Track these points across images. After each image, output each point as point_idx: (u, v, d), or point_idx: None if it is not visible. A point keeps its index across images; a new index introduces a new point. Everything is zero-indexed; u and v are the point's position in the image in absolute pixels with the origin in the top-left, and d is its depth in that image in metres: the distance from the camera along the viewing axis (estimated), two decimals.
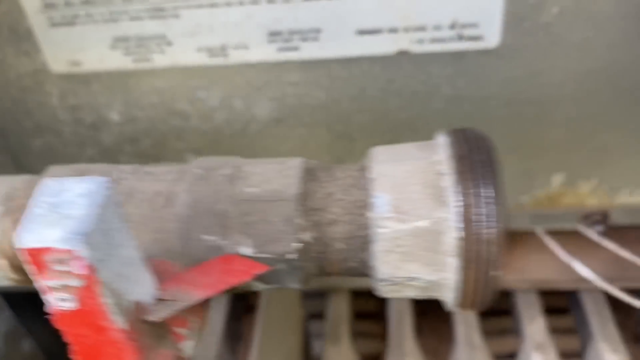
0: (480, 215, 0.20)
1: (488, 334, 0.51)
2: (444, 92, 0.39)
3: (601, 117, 0.39)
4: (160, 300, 0.18)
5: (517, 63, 0.37)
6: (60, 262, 0.15)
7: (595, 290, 0.49)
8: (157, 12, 0.37)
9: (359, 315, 0.57)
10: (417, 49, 0.37)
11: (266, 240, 0.21)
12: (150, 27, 0.37)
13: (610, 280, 0.49)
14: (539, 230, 0.49)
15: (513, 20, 0.35)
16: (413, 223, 0.21)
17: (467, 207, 0.20)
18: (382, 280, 0.22)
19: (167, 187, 0.22)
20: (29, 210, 0.15)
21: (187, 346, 0.20)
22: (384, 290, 0.22)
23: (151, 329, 0.18)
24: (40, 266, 0.15)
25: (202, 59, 0.38)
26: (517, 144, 0.41)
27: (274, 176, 0.22)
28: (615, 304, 0.52)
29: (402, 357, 0.48)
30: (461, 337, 0.49)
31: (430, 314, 0.61)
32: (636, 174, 0.42)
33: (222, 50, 0.38)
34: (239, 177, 0.22)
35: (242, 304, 0.52)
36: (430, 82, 0.38)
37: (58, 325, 0.16)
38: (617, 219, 0.45)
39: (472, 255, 0.20)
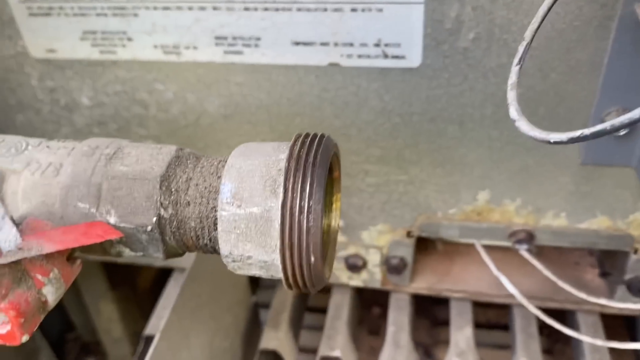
0: (301, 208, 0.23)
1: (421, 337, 0.54)
2: (372, 104, 0.42)
3: (521, 140, 0.42)
4: (18, 248, 0.22)
5: (439, 83, 0.40)
6: None
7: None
8: (119, 10, 0.41)
9: (308, 309, 0.60)
10: (346, 62, 0.40)
11: (129, 212, 0.25)
12: (113, 23, 0.42)
13: (542, 298, 0.51)
14: (478, 244, 0.51)
15: (432, 42, 0.38)
16: (248, 209, 0.24)
17: (290, 199, 0.23)
18: (224, 256, 0.25)
19: (57, 159, 0.26)
20: None
21: (49, 291, 0.24)
22: (229, 266, 0.26)
23: (10, 271, 0.23)
24: None
25: (158, 55, 0.43)
26: (443, 158, 0.44)
27: (147, 159, 0.26)
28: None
29: (332, 350, 0.51)
30: (390, 336, 0.51)
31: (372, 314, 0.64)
32: (558, 197, 0.44)
33: (175, 48, 0.42)
34: (118, 157, 0.26)
35: None
36: (360, 94, 0.42)
37: None
38: (544, 239, 0.47)
39: (290, 241, 0.23)
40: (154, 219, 0.25)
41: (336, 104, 0.43)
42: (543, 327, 0.52)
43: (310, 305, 0.63)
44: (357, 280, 0.54)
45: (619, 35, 0.34)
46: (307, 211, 0.23)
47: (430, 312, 0.63)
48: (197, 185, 0.25)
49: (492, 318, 0.65)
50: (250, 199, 0.24)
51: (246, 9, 0.39)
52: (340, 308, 0.54)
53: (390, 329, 0.52)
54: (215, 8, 0.39)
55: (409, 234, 0.49)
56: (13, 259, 0.22)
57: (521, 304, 0.51)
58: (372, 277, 0.53)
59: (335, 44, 0.39)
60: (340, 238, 0.51)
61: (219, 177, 0.25)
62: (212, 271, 0.46)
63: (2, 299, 0.22)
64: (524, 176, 0.44)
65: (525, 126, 0.26)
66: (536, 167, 0.43)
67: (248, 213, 0.24)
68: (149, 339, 0.54)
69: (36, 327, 0.24)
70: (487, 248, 0.51)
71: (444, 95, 0.40)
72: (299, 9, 0.38)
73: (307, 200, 0.23)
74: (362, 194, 0.47)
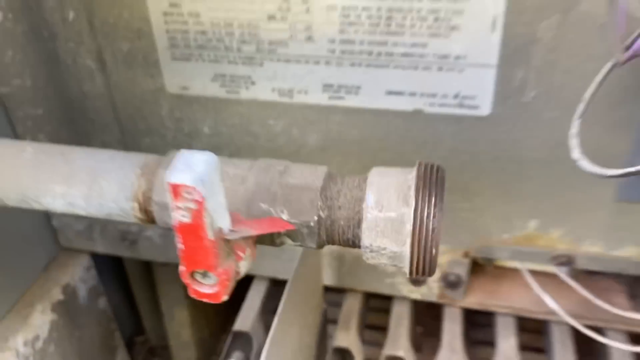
0: (428, 214, 0.33)
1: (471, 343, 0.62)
2: (447, 143, 0.52)
3: (568, 179, 0.51)
4: (231, 230, 0.32)
5: (503, 129, 0.50)
6: (187, 193, 0.28)
7: (563, 323, 0.60)
8: (248, 60, 0.52)
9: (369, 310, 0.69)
10: (429, 109, 0.50)
11: (297, 212, 0.34)
12: (242, 69, 0.52)
13: (577, 316, 0.60)
14: (523, 267, 0.60)
15: (501, 97, 0.48)
16: (387, 213, 0.33)
17: (420, 207, 0.33)
18: (365, 247, 0.34)
19: (242, 172, 0.36)
20: (173, 165, 0.29)
21: (242, 265, 0.33)
22: (365, 255, 0.35)
23: (224, 247, 0.32)
24: (176, 194, 0.29)
25: (275, 97, 0.53)
26: (502, 191, 0.53)
27: (308, 174, 0.35)
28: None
29: (396, 350, 0.60)
30: (446, 342, 0.60)
31: (427, 325, 0.72)
32: (595, 228, 0.54)
33: (289, 92, 0.52)
34: (287, 172, 0.36)
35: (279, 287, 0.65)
36: (437, 135, 0.51)
37: (177, 232, 0.30)
38: (581, 264, 0.56)
39: (419, 237, 0.33)
40: (315, 217, 0.34)
41: (416, 143, 0.52)
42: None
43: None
44: (417, 294, 0.62)
45: None
46: (432, 216, 0.33)
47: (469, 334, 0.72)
48: (345, 195, 0.35)
49: (527, 340, 0.73)
50: (388, 206, 0.34)
51: (352, 64, 0.49)
52: (401, 317, 0.63)
53: (446, 337, 0.60)
54: (327, 63, 0.50)
55: (466, 254, 0.58)
56: (232, 237, 0.31)
57: (559, 321, 0.59)
58: (430, 291, 0.62)
59: (421, 95, 0.49)
60: None
61: (362, 190, 0.35)
62: (306, 279, 0.55)
63: (218, 266, 0.32)
64: (568, 209, 0.53)
65: (586, 165, 0.35)
66: (579, 202, 0.52)
67: (387, 216, 0.34)
68: (238, 334, 0.63)
69: (230, 292, 0.33)
70: (531, 272, 0.60)
71: (507, 139, 0.50)
72: (395, 67, 0.49)
73: (432, 208, 0.33)
74: None
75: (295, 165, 0.37)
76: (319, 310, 0.61)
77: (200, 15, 0.50)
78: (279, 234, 0.35)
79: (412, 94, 0.50)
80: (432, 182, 0.34)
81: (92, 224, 0.69)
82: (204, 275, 0.33)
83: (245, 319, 0.63)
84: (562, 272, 0.58)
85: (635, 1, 0.38)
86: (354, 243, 0.36)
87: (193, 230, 0.30)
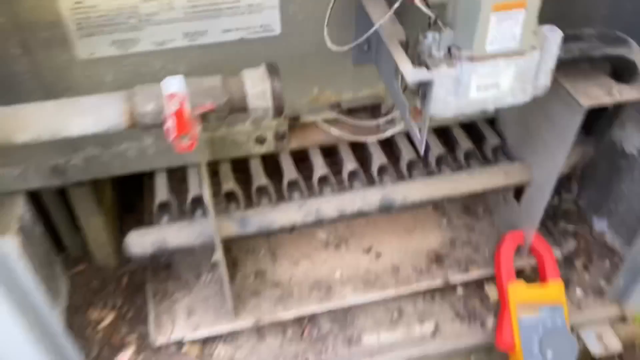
0: (275, 86, 0.72)
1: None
2: (261, 54, 0.90)
3: (329, 60, 0.94)
4: (194, 111, 0.67)
5: (289, 40, 0.90)
6: (176, 96, 0.63)
7: (344, 143, 1.05)
8: (133, 27, 0.83)
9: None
10: (247, 37, 0.88)
11: (216, 98, 0.71)
12: (129, 35, 0.84)
13: (350, 135, 1.06)
14: (316, 118, 1.04)
15: (284, 22, 0.88)
16: (256, 89, 0.72)
17: (272, 83, 0.71)
18: (251, 109, 0.73)
19: (196, 82, 0.71)
20: (166, 84, 0.62)
21: (198, 131, 0.69)
22: (251, 114, 0.73)
23: (193, 121, 0.67)
24: (171, 97, 0.63)
25: (153, 47, 0.86)
26: (296, 75, 0.94)
27: (214, 80, 0.72)
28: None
29: (260, 181, 1.00)
30: (286, 173, 1.02)
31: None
32: (346, 83, 0.98)
33: (162, 42, 0.86)
34: (204, 81, 0.72)
35: None
36: (254, 50, 0.90)
37: (171, 116, 0.64)
38: (345, 105, 1.01)
39: (274, 97, 0.72)
40: (224, 99, 0.72)
41: (244, 57, 0.90)
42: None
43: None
44: (263, 149, 1.03)
45: None
46: (279, 87, 0.72)
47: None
48: (235, 84, 0.73)
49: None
50: (257, 85, 0.72)
51: (199, 19, 0.84)
52: (257, 166, 1.03)
53: (285, 171, 1.03)
54: (184, 20, 0.84)
55: (285, 118, 1.00)
56: (194, 114, 0.67)
57: (342, 141, 1.05)
58: (269, 146, 1.02)
59: (242, 29, 0.87)
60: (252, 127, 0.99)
61: (241, 81, 0.73)
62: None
63: (191, 131, 0.67)
64: (331, 76, 0.96)
65: (333, 47, 0.78)
66: (336, 72, 0.96)
67: (257, 90, 0.72)
68: (162, 204, 0.97)
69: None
70: (322, 120, 1.04)
71: (292, 45, 0.90)
72: (224, 16, 0.85)
73: (277, 82, 0.72)
74: None
75: (204, 77, 0.73)
76: None
77: (98, 5, 0.80)
78: (212, 112, 0.71)
79: (237, 29, 0.87)
80: (273, 70, 0.73)
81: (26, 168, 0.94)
82: (183, 138, 0.68)
83: (162, 194, 0.98)
84: (335, 114, 1.02)
85: None
86: (244, 108, 0.74)
87: (179, 113, 0.66)
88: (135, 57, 0.86)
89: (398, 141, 1.10)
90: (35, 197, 1.05)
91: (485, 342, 1.09)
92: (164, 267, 1.12)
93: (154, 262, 1.12)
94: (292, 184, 1.01)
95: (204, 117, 0.71)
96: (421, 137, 0.78)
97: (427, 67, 0.72)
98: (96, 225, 1.12)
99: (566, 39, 0.76)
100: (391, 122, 1.05)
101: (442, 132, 1.15)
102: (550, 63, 0.76)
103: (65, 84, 0.86)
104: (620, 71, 0.91)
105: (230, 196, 1.00)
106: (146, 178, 1.18)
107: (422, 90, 0.75)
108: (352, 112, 1.04)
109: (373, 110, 1.05)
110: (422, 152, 0.79)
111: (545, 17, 0.71)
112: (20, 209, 0.96)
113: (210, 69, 0.89)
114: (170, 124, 0.66)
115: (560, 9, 0.91)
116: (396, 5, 0.73)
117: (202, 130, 0.70)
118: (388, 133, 1.07)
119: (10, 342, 0.70)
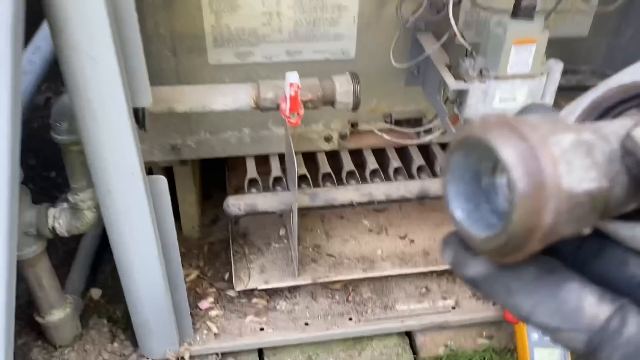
0: (357, 87, 1.02)
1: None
2: (340, 70, 1.22)
3: (386, 78, 1.25)
4: (302, 98, 0.97)
5: (363, 61, 1.21)
6: (296, 85, 0.93)
7: (392, 146, 1.35)
8: (250, 45, 1.15)
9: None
10: (332, 58, 1.19)
11: (319, 92, 1.01)
12: (248, 49, 1.16)
13: (399, 140, 1.36)
14: (372, 127, 1.34)
15: (359, 49, 1.19)
16: (342, 89, 1.02)
17: (355, 85, 1.02)
18: (338, 102, 1.02)
19: (308, 81, 1.01)
20: (288, 77, 0.92)
21: (302, 113, 0.98)
22: (338, 104, 1.03)
23: (301, 104, 0.97)
24: (291, 85, 0.93)
25: (265, 60, 1.18)
26: (363, 88, 1.25)
27: (317, 82, 1.02)
28: None
29: (325, 169, 1.29)
30: (345, 168, 1.32)
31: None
32: (398, 99, 1.29)
33: (269, 57, 1.18)
34: (316, 81, 1.02)
35: None
36: (336, 67, 1.21)
37: (291, 101, 0.93)
38: (395, 117, 1.31)
39: (354, 94, 1.02)
40: (320, 93, 1.02)
41: (329, 70, 1.21)
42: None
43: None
44: (329, 146, 1.32)
45: None
46: (359, 88, 1.03)
47: None
48: (329, 86, 1.03)
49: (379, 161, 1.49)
50: (343, 85, 1.03)
51: (299, 40, 1.16)
52: (322, 158, 1.33)
53: (344, 165, 1.32)
54: (288, 41, 1.16)
55: (348, 122, 1.30)
56: (301, 99, 0.97)
57: (390, 145, 1.35)
58: (334, 143, 1.32)
59: (329, 52, 1.19)
60: (323, 127, 1.29)
61: (332, 81, 1.03)
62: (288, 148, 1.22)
63: (299, 110, 0.97)
64: (388, 91, 1.27)
65: (396, 65, 1.09)
66: (392, 88, 1.26)
67: (343, 89, 1.03)
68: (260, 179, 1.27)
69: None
70: (377, 129, 1.34)
71: (365, 65, 1.22)
72: (316, 40, 1.17)
73: (358, 84, 1.03)
74: None
75: (311, 78, 1.03)
76: None
77: (230, 25, 1.12)
78: (312, 101, 1.02)
79: (324, 52, 1.18)
80: (355, 77, 1.04)
81: (152, 145, 1.25)
82: (293, 115, 0.98)
83: (252, 172, 1.27)
84: (387, 123, 1.32)
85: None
86: (332, 102, 1.04)
87: (294, 98, 0.96)
88: (249, 66, 1.18)
89: (434, 149, 1.39)
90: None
91: (496, 317, 1.34)
92: (242, 235, 1.40)
93: (234, 230, 1.40)
94: (350, 173, 1.30)
95: (305, 103, 1.01)
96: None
97: (465, 81, 1.02)
98: (190, 200, 1.42)
99: (567, 72, 1.07)
100: (429, 132, 1.34)
101: None
102: (553, 86, 1.06)
103: (195, 81, 1.18)
104: None
105: (302, 179, 1.29)
106: (227, 169, 1.48)
107: (459, 99, 1.05)
108: (399, 122, 1.34)
109: (416, 122, 1.35)
110: None
111: (554, 55, 1.01)
112: None
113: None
114: (286, 105, 0.96)
115: (563, 50, 1.22)
116: (444, 38, 1.04)
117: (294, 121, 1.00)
118: (426, 139, 1.37)
119: (147, 250, 0.99)
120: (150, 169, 1.31)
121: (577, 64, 1.19)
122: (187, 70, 1.16)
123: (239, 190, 1.31)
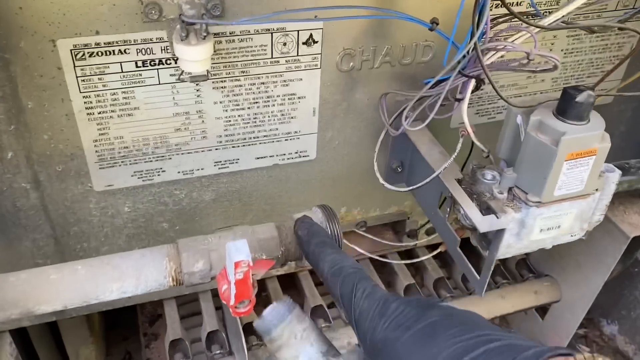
0: (334, 223, 0.65)
1: None
2: (293, 178, 0.84)
3: (363, 182, 0.89)
4: (253, 276, 0.59)
5: (324, 164, 0.84)
6: (243, 264, 0.55)
7: (365, 258, 0.99)
8: (160, 157, 0.75)
9: None
10: (281, 162, 0.81)
11: (270, 252, 0.64)
12: (154, 164, 0.75)
13: (372, 252, 1.00)
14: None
15: (320, 147, 0.82)
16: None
17: (331, 223, 0.65)
18: (305, 252, 0.66)
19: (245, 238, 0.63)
20: (231, 252, 0.55)
21: (254, 292, 0.61)
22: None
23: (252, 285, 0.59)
24: (237, 266, 0.55)
25: (180, 176, 0.77)
26: (321, 195, 0.88)
27: (266, 230, 0.65)
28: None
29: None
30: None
31: None
32: (375, 203, 0.93)
33: (190, 171, 0.78)
34: (254, 232, 0.64)
35: None
36: (287, 175, 0.83)
37: (235, 284, 0.56)
38: (370, 223, 0.96)
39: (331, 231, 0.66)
40: (281, 251, 0.64)
41: (276, 182, 0.83)
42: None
43: None
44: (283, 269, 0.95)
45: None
46: (336, 222, 0.66)
47: None
48: (287, 234, 0.65)
49: None
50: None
51: (232, 147, 0.77)
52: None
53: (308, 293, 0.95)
54: (216, 149, 0.77)
55: None
56: (255, 279, 0.59)
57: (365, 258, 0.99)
58: (290, 267, 0.95)
59: (277, 155, 0.80)
60: None
61: (295, 229, 0.66)
62: None
63: (251, 296, 0.59)
64: (362, 197, 0.91)
65: (382, 181, 0.72)
66: (367, 192, 0.91)
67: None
68: (174, 341, 0.87)
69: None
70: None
71: (327, 169, 0.85)
72: (260, 143, 0.78)
73: (334, 218, 0.66)
74: None
75: (256, 227, 0.65)
76: None
77: (124, 137, 0.71)
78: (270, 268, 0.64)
79: (271, 156, 0.80)
80: (330, 214, 0.66)
81: None
82: (242, 303, 0.60)
83: (174, 331, 0.88)
84: (360, 231, 0.97)
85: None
86: (300, 258, 0.67)
87: (243, 281, 0.58)
88: (158, 187, 0.78)
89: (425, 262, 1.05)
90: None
91: None
92: None
93: None
94: (315, 310, 0.93)
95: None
96: (481, 281, 0.73)
97: (493, 211, 0.68)
98: (86, 355, 1.00)
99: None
100: (414, 237, 1.00)
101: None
102: (606, 200, 0.74)
103: (75, 216, 0.76)
104: None
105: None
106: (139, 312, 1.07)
107: (488, 235, 0.71)
108: (374, 227, 0.99)
109: (394, 226, 1.01)
110: (482, 295, 0.75)
111: None
112: (8, 347, 0.84)
113: (238, 195, 0.83)
114: (230, 291, 0.58)
115: None
116: (458, 149, 0.69)
117: None
118: (411, 244, 1.02)
119: None
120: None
121: None
122: (60, 204, 0.74)
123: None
